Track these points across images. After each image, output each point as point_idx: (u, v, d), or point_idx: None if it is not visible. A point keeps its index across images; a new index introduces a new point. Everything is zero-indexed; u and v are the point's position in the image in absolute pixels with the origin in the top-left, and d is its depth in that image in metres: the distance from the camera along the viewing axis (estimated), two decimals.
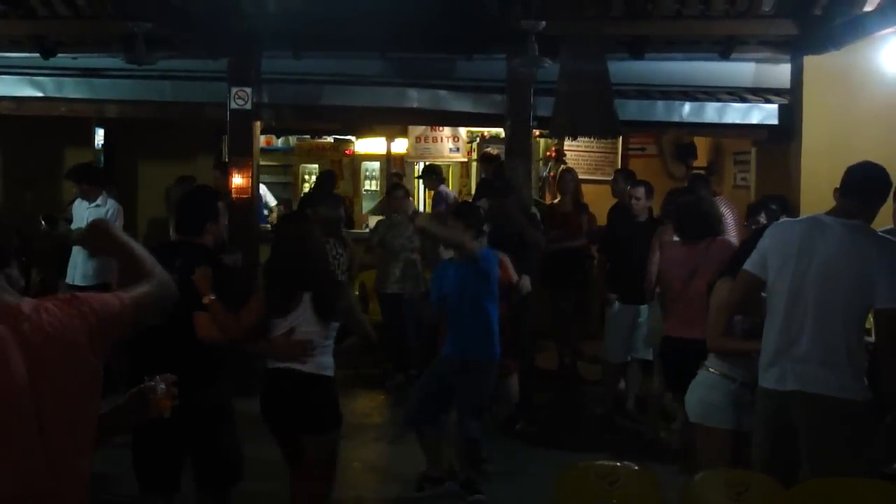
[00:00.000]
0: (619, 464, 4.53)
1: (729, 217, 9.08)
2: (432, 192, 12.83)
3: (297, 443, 5.50)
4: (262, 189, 14.24)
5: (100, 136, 13.27)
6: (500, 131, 11.15)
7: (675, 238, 7.25)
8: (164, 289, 2.93)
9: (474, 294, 6.76)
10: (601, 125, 9.18)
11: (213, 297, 5.14)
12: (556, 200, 10.98)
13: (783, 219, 6.00)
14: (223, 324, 5.19)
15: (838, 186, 4.76)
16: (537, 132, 10.84)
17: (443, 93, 10.17)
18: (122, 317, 2.69)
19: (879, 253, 4.57)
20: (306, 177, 15.79)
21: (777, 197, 8.78)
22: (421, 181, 13.41)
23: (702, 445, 5.31)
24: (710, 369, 5.27)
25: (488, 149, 13.36)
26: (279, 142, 16.37)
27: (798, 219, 5.27)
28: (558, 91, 9.26)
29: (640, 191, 8.92)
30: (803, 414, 4.62)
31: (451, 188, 14.46)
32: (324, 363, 5.50)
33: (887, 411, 5.49)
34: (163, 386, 3.14)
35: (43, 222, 9.38)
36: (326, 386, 5.53)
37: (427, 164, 13.07)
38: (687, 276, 6.75)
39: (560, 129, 9.71)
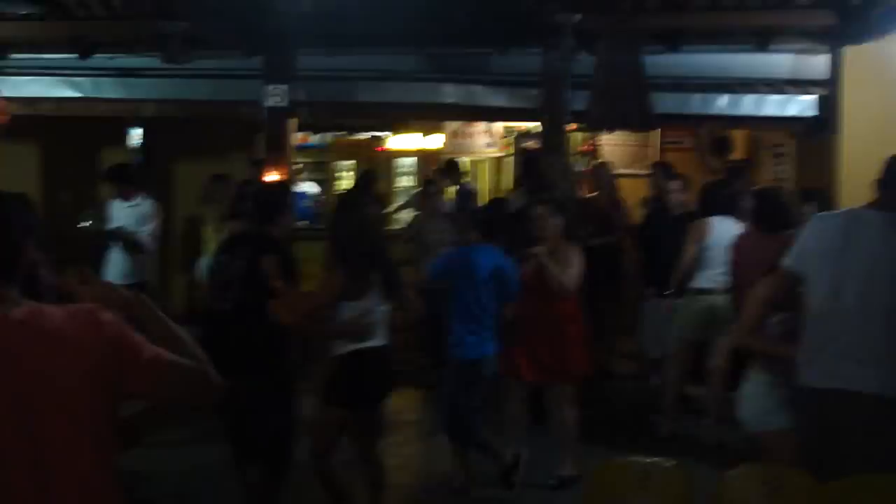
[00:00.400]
0: (650, 460, 4.48)
1: None
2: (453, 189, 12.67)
3: (375, 413, 5.94)
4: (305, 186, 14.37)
5: (137, 135, 13.34)
6: (536, 126, 11.09)
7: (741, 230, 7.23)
8: (203, 374, 2.75)
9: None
10: (637, 118, 9.13)
11: (281, 284, 5.38)
12: (591, 195, 10.91)
13: (807, 210, 5.89)
14: (297, 305, 5.46)
15: (877, 178, 4.67)
16: (573, 126, 10.79)
17: (477, 88, 10.15)
18: (146, 366, 2.58)
19: None
20: (342, 174, 15.81)
21: (816, 190, 8.68)
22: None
23: (772, 451, 5.17)
24: (758, 377, 5.20)
25: (528, 143, 13.26)
26: (315, 139, 16.40)
27: (836, 212, 5.17)
28: (594, 84, 9.21)
29: (676, 184, 8.85)
30: (844, 412, 4.54)
31: (484, 184, 14.44)
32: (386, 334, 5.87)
33: None
34: None
35: (88, 223, 9.37)
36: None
37: (450, 159, 12.95)
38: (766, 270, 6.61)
39: (596, 122, 9.66)
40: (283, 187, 6.49)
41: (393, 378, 5.98)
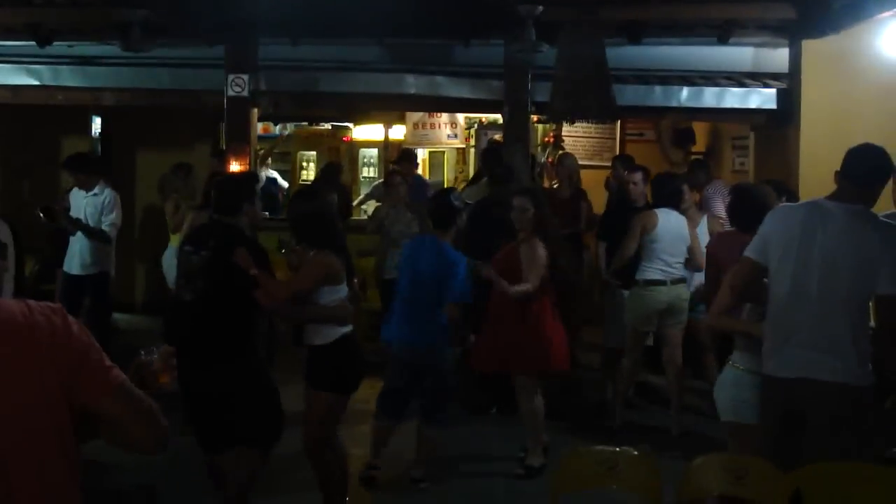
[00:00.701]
0: (617, 449, 4.52)
1: (721, 202, 9.14)
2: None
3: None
4: (273, 174, 14.28)
5: (97, 124, 13.23)
6: (499, 117, 11.11)
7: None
8: (155, 412, 2.62)
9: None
10: (599, 109, 9.14)
11: (257, 271, 5.38)
12: (554, 186, 10.95)
13: (782, 203, 5.94)
14: (274, 292, 5.47)
15: (838, 169, 4.73)
16: (535, 118, 10.82)
17: (440, 79, 10.14)
18: (99, 384, 2.49)
19: (882, 239, 4.53)
20: (304, 164, 15.74)
21: (775, 182, 8.76)
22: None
23: (737, 442, 5.21)
24: (736, 365, 5.23)
25: (495, 136, 13.27)
26: (276, 129, 16.32)
27: (798, 203, 5.23)
28: (556, 76, 9.23)
29: (638, 176, 8.89)
30: (808, 400, 4.59)
31: (448, 174, 14.44)
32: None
33: (887, 396, 5.48)
34: (156, 358, 3.06)
35: (42, 215, 9.32)
36: None
37: (405, 149, 12.87)
38: None
39: (558, 113, 9.67)
40: (248, 177, 6.46)
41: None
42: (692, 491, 4.39)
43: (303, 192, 7.45)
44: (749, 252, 4.84)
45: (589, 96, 8.92)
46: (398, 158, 12.16)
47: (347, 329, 5.83)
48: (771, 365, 4.71)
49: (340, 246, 5.88)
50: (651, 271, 8.10)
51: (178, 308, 5.63)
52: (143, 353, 3.07)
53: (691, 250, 8.08)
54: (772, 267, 4.71)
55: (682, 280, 8.15)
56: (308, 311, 5.81)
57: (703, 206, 9.67)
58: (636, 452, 4.50)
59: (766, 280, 4.77)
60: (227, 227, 5.63)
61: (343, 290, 5.81)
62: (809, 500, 4.19)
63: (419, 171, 12.94)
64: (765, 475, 4.31)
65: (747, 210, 6.32)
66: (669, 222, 8.06)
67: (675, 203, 8.22)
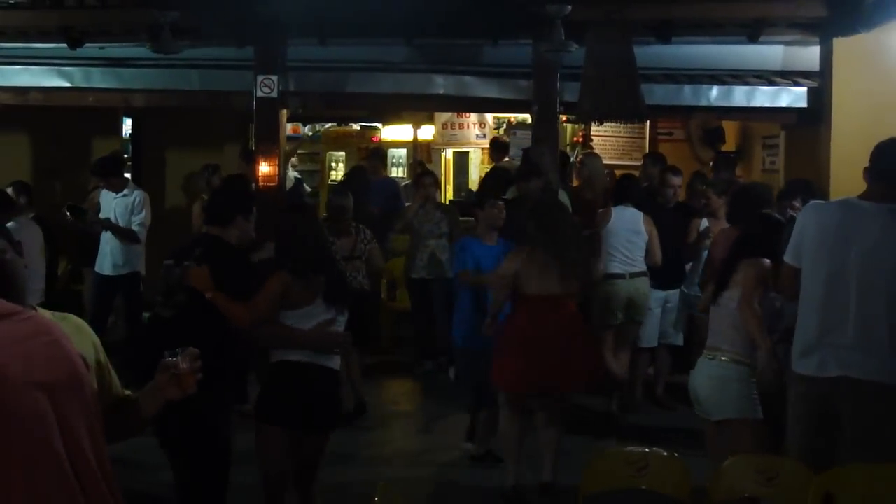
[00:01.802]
0: (648, 450, 4.51)
1: None
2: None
3: (315, 440, 5.40)
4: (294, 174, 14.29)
5: (127, 125, 13.33)
6: (528, 117, 11.09)
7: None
8: None
9: None
10: (627, 109, 9.10)
11: (214, 293, 5.01)
12: (575, 185, 10.88)
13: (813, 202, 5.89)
14: (234, 315, 5.07)
15: (867, 166, 4.69)
16: (564, 117, 10.79)
17: (468, 79, 10.14)
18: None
19: None
20: (333, 164, 15.79)
21: (805, 181, 8.71)
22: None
23: (741, 440, 5.17)
24: (723, 357, 5.20)
25: (501, 136, 13.26)
26: (306, 129, 16.39)
27: (831, 202, 5.18)
28: (584, 76, 9.19)
29: (679, 179, 8.90)
30: (847, 400, 4.56)
31: (474, 174, 14.42)
32: (337, 358, 5.43)
33: None
34: (180, 360, 3.01)
35: (68, 213, 9.42)
36: (339, 380, 5.58)
37: (375, 147, 12.75)
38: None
39: (586, 114, 9.64)
40: (244, 189, 5.96)
41: (340, 408, 5.63)
42: (723, 491, 4.38)
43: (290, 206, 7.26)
44: (788, 258, 4.81)
45: (617, 96, 8.87)
46: (368, 155, 12.00)
47: (298, 356, 5.23)
48: (806, 364, 4.68)
49: (310, 268, 5.28)
50: (610, 265, 8.32)
51: (153, 326, 5.24)
52: (167, 354, 3.02)
53: (649, 245, 8.42)
54: (805, 266, 4.68)
55: (642, 274, 8.45)
56: (278, 334, 5.25)
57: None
58: (665, 453, 4.49)
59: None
60: (214, 239, 5.28)
61: (313, 314, 5.25)
62: (841, 501, 4.16)
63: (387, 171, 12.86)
64: (796, 476, 4.29)
65: (745, 209, 6.34)
66: (623, 218, 8.44)
67: (633, 200, 8.59)
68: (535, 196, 8.16)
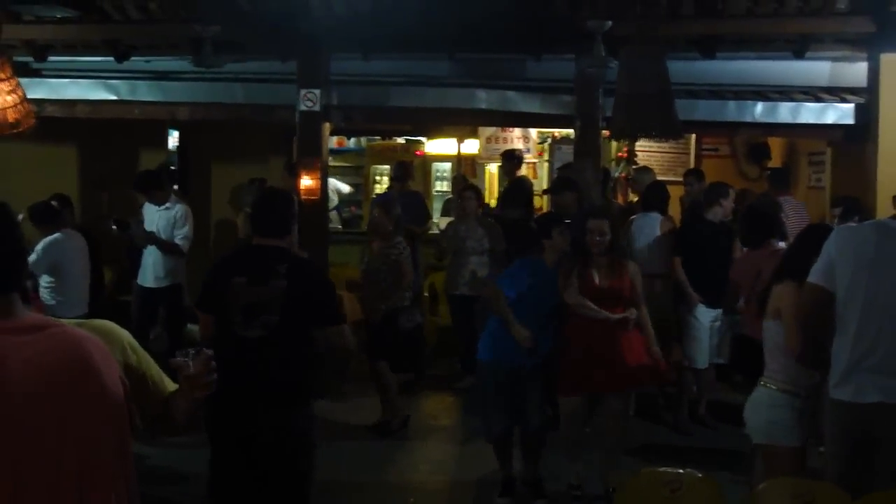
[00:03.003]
0: (682, 471, 4.44)
1: (794, 218, 9.01)
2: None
3: None
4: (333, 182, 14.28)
5: (174, 138, 13.45)
6: (572, 132, 11.05)
7: None
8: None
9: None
10: (662, 127, 9.00)
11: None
12: (634, 201, 10.80)
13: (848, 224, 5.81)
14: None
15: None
16: (607, 133, 10.74)
17: (511, 93, 10.15)
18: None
19: None
20: (377, 178, 15.81)
21: (850, 199, 8.61)
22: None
23: (771, 465, 5.12)
24: (770, 385, 5.12)
25: (514, 148, 13.22)
26: (350, 143, 16.44)
27: (863, 224, 5.09)
28: (618, 92, 9.10)
29: (730, 201, 8.80)
30: (885, 427, 4.47)
31: None
32: None
33: None
34: (191, 362, 2.78)
35: (114, 227, 9.52)
36: None
37: (400, 161, 12.50)
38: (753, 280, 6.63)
39: (619, 130, 9.53)
40: (290, 196, 5.78)
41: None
42: None
43: None
44: (815, 278, 4.68)
45: (651, 113, 8.78)
46: (396, 174, 11.54)
47: None
48: (843, 391, 4.58)
49: None
50: None
51: (234, 347, 4.76)
52: (179, 354, 2.80)
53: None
54: (840, 292, 4.58)
55: (656, 276, 8.62)
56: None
57: None
58: (700, 475, 4.43)
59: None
60: (284, 252, 5.03)
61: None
62: None
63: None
64: (833, 501, 4.21)
65: (756, 226, 6.27)
66: (645, 224, 9.04)
67: (658, 207, 9.13)
68: (573, 210, 8.15)
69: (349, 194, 14.99)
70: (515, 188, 10.97)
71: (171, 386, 2.88)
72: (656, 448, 8.10)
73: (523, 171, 12.22)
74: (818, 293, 4.67)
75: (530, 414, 6.77)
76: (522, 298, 6.69)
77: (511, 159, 11.64)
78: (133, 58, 10.50)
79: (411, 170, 11.83)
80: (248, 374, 4.68)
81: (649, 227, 9.02)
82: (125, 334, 2.80)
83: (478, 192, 10.58)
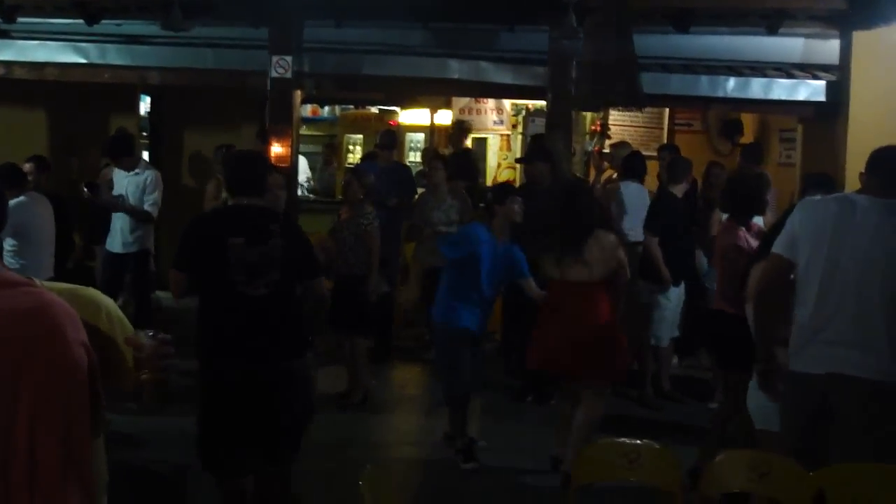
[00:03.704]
0: (640, 441, 4.47)
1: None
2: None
3: None
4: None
5: (146, 103, 13.35)
6: (544, 104, 11.03)
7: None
8: None
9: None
10: (625, 96, 8.98)
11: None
12: (613, 177, 10.74)
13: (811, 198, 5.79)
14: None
15: (863, 171, 4.66)
16: None
17: (484, 64, 10.10)
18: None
19: None
20: (350, 147, 15.77)
21: (822, 175, 8.62)
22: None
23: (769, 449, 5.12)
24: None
25: (462, 119, 13.24)
26: (324, 111, 16.39)
27: (828, 197, 5.12)
28: (582, 62, 9.09)
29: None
30: (840, 397, 4.51)
31: (492, 161, 14.33)
32: None
33: None
34: (146, 343, 2.73)
35: (85, 189, 9.42)
36: None
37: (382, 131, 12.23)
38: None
39: (584, 100, 9.51)
40: (264, 155, 6.09)
41: None
42: (714, 486, 4.34)
43: None
44: (777, 248, 4.74)
45: (614, 82, 8.76)
46: (383, 142, 10.94)
47: None
48: (800, 362, 4.62)
49: None
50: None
51: (238, 305, 4.96)
52: (137, 332, 2.75)
53: None
54: (801, 263, 4.61)
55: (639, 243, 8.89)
56: None
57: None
58: (658, 446, 4.45)
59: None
60: (270, 212, 5.24)
61: None
62: (833, 500, 4.12)
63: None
64: (788, 473, 4.24)
65: (743, 200, 6.27)
66: (631, 193, 9.33)
67: (638, 175, 9.51)
68: (546, 181, 8.13)
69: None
70: (461, 158, 10.94)
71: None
72: (621, 421, 8.14)
73: (502, 143, 12.18)
74: (779, 262, 4.71)
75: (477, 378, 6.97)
76: (464, 263, 6.78)
77: (459, 130, 11.68)
78: (104, 21, 10.37)
79: (396, 139, 11.66)
80: (255, 330, 4.92)
81: (637, 196, 9.26)
82: (108, 302, 2.78)
83: (445, 164, 10.50)
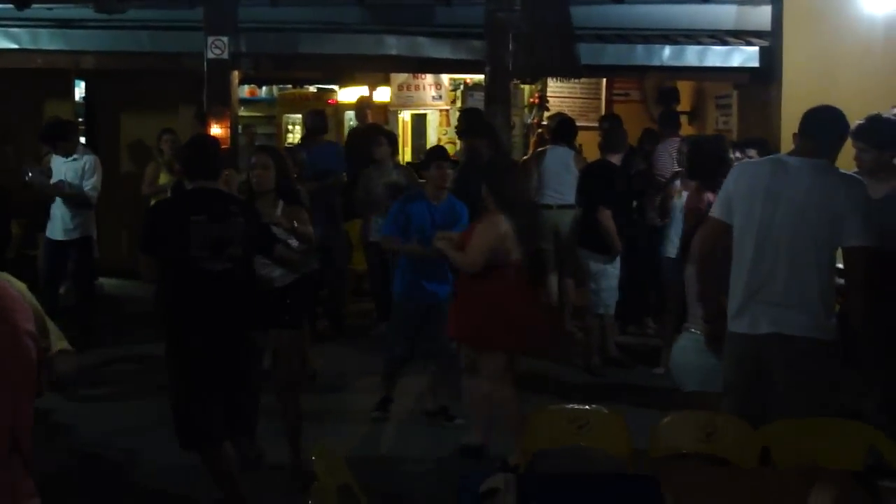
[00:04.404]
0: (588, 407, 4.53)
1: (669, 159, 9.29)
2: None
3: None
4: None
5: (80, 88, 13.17)
6: (482, 78, 11.04)
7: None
8: None
9: None
10: (562, 66, 9.06)
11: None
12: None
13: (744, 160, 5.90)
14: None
15: (796, 132, 4.76)
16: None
17: (421, 39, 10.10)
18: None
19: (846, 191, 4.54)
20: (290, 127, 15.69)
21: (757, 139, 8.75)
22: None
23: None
24: (695, 331, 5.21)
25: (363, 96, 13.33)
26: (262, 92, 16.27)
27: (761, 160, 5.23)
28: (519, 32, 9.13)
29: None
30: (778, 356, 4.61)
31: (432, 136, 14.32)
32: None
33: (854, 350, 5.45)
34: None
35: (29, 175, 9.22)
36: None
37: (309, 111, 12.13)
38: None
39: (522, 70, 9.58)
40: (217, 141, 6.42)
41: None
42: (661, 448, 4.41)
43: None
44: (714, 212, 4.84)
45: (551, 52, 8.82)
46: (313, 124, 10.65)
47: None
48: (738, 323, 4.72)
49: None
50: (543, 197, 9.40)
51: (201, 280, 5.22)
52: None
53: None
54: (736, 224, 4.71)
55: (569, 207, 9.28)
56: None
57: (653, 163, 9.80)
58: (606, 411, 4.52)
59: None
60: (228, 194, 5.63)
61: None
62: (778, 455, 4.21)
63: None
64: (735, 432, 4.32)
65: (702, 163, 6.32)
66: (556, 155, 9.50)
67: (566, 140, 9.69)
68: (485, 156, 8.13)
69: None
70: (354, 135, 11.01)
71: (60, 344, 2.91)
72: (568, 388, 8.24)
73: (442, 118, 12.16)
74: (715, 225, 4.81)
75: (440, 346, 7.05)
76: (409, 233, 7.01)
77: (360, 107, 11.81)
78: (34, 5, 10.19)
79: (326, 120, 11.56)
80: (215, 303, 5.22)
81: (561, 159, 9.46)
82: (31, 296, 2.80)
83: (389, 138, 10.45)
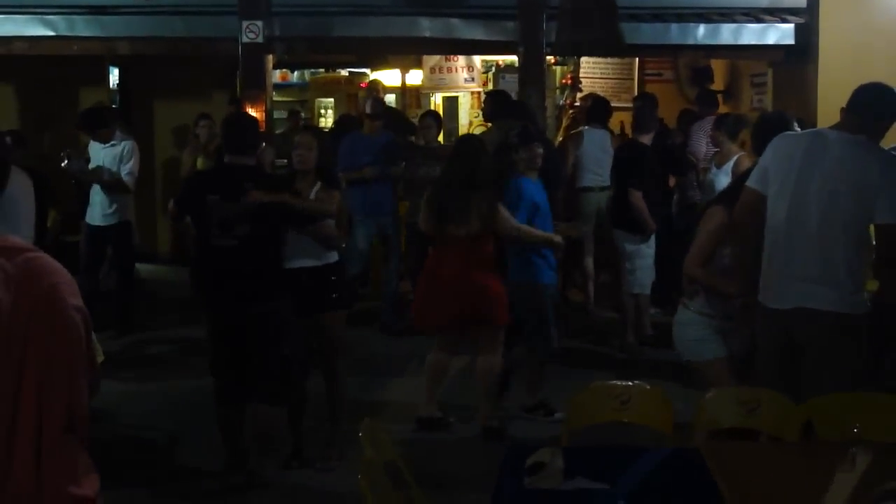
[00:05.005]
0: (631, 383, 4.56)
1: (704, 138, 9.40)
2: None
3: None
4: None
5: (115, 75, 13.26)
6: (516, 59, 11.02)
7: None
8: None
9: None
10: (605, 44, 9.02)
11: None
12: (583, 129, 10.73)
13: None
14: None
15: (844, 106, 4.72)
16: (552, 59, 10.74)
17: (455, 21, 10.06)
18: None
19: (881, 168, 4.52)
20: (322, 111, 15.72)
21: (779, 113, 8.69)
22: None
23: (705, 378, 5.25)
24: (689, 307, 5.25)
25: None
26: (294, 76, 16.31)
27: (800, 132, 5.20)
28: (561, 9, 9.10)
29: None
30: (806, 331, 4.61)
31: (463, 119, 14.31)
32: None
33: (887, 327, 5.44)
34: None
35: (67, 160, 9.29)
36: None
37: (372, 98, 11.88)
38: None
39: (563, 47, 9.54)
40: (255, 118, 6.66)
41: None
42: (705, 424, 4.43)
43: None
44: (751, 182, 4.83)
45: (594, 30, 8.78)
46: (375, 110, 9.95)
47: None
48: (769, 297, 4.72)
49: None
50: (584, 179, 9.67)
51: (213, 256, 5.62)
52: None
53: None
54: (770, 196, 4.70)
55: (609, 188, 9.36)
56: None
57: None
58: (648, 387, 4.54)
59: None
60: (253, 170, 5.79)
61: None
62: (821, 429, 4.22)
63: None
64: (777, 407, 4.34)
65: (768, 138, 6.30)
66: (593, 138, 9.69)
67: (602, 121, 9.89)
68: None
69: None
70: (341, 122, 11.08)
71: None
72: (605, 367, 8.23)
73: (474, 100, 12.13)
74: (750, 195, 4.79)
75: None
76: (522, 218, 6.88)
77: (370, 90, 11.97)
78: None
79: (384, 106, 11.13)
80: (226, 278, 5.55)
81: (599, 141, 9.69)
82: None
83: (437, 121, 10.32)
